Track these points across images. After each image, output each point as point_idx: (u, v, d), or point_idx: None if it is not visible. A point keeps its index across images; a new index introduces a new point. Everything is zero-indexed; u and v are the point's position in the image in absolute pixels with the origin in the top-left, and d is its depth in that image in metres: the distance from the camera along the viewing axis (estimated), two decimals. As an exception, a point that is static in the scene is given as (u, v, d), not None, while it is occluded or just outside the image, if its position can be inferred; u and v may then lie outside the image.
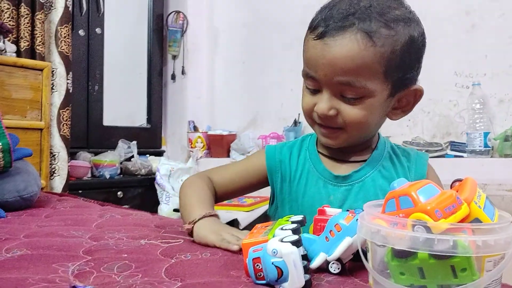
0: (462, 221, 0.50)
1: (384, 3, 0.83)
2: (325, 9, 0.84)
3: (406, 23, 0.82)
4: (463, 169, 2.08)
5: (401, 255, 0.50)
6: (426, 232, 0.48)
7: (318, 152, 0.96)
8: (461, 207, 0.50)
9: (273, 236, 0.59)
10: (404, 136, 2.41)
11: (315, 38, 0.82)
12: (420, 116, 2.45)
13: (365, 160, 0.93)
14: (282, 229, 0.60)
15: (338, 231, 0.60)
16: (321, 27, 0.82)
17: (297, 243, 0.55)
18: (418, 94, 0.88)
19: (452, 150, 2.33)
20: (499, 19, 2.28)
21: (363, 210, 0.57)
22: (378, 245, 0.53)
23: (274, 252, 0.54)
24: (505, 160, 2.12)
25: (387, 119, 0.93)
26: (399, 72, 0.83)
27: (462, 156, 2.25)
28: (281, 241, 0.55)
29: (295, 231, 0.59)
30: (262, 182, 1.00)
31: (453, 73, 2.36)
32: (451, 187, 0.58)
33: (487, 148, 2.18)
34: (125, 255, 0.69)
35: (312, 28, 0.85)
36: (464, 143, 2.27)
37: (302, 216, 0.68)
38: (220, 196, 1.00)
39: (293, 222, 0.64)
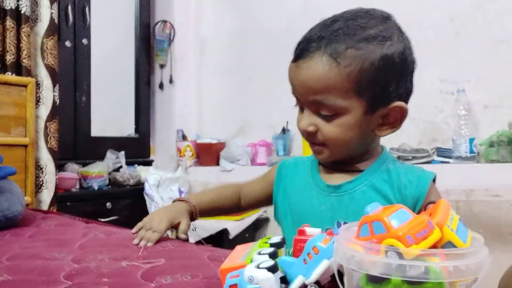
0: (434, 245, 0.51)
1: (358, 24, 0.86)
2: (306, 33, 0.90)
3: (380, 41, 0.84)
4: (450, 175, 2.09)
5: (375, 280, 0.51)
6: (398, 258, 0.48)
7: (319, 163, 0.99)
8: (433, 232, 0.50)
9: (251, 261, 0.59)
10: (390, 143, 2.42)
11: (292, 61, 0.89)
12: (406, 123, 2.41)
13: (361, 171, 0.94)
14: (259, 253, 0.60)
15: (316, 254, 0.61)
16: (296, 51, 0.89)
17: (273, 269, 0.55)
18: (402, 111, 0.89)
19: (438, 156, 2.35)
20: (482, 26, 2.31)
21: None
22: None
23: (251, 279, 0.54)
24: (490, 166, 2.14)
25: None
26: (374, 89, 0.85)
27: (448, 162, 2.26)
28: (258, 267, 0.55)
29: (272, 255, 0.59)
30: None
31: (438, 79, 2.38)
32: (425, 209, 0.59)
33: (473, 154, 2.19)
34: (106, 280, 0.69)
35: (293, 51, 0.91)
36: (450, 149, 2.29)
37: (281, 237, 0.68)
38: (244, 205, 1.13)
39: (271, 245, 0.64)
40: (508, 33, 2.24)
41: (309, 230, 0.70)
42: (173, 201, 1.11)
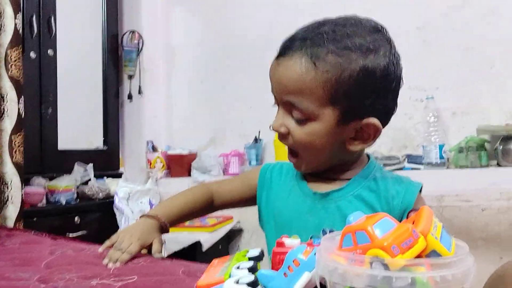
0: (419, 254, 0.49)
1: (345, 31, 0.83)
2: (294, 32, 0.89)
3: (364, 53, 0.82)
4: (421, 181, 2.11)
5: (360, 293, 0.49)
6: (384, 270, 0.47)
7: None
8: (417, 241, 0.49)
9: (229, 276, 0.57)
10: (362, 151, 2.44)
11: (275, 58, 0.88)
12: (377, 130, 2.48)
13: (349, 179, 0.92)
14: (238, 267, 0.58)
15: (297, 266, 0.59)
16: (280, 48, 0.88)
17: (254, 285, 0.53)
18: (375, 129, 0.86)
19: (409, 162, 2.37)
20: (449, 34, 2.35)
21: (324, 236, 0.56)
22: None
23: (230, 296, 0.52)
24: (460, 171, 2.17)
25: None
26: (349, 101, 0.83)
27: (419, 169, 2.29)
28: (237, 282, 0.53)
29: (251, 270, 0.57)
30: (254, 196, 1.04)
31: (407, 87, 2.37)
32: (407, 217, 0.58)
33: (443, 160, 2.23)
34: (75, 300, 0.65)
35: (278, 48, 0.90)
36: (421, 156, 2.32)
37: (260, 250, 0.66)
38: (218, 205, 1.09)
39: (250, 259, 0.62)
40: (474, 41, 2.29)
41: (288, 241, 0.68)
42: (141, 216, 1.04)
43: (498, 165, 2.12)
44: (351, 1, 2.38)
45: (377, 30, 0.86)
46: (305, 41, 0.84)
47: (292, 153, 0.92)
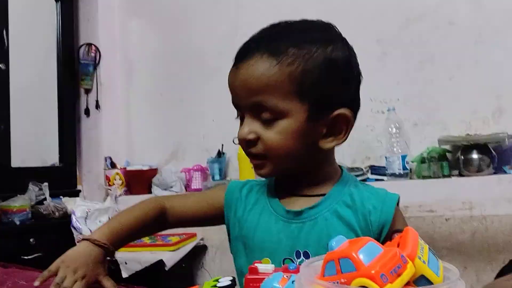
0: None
1: (299, 27, 0.86)
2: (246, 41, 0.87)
3: (323, 45, 0.82)
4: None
5: (346, 326, 0.45)
6: (372, 301, 0.43)
7: (276, 186, 0.92)
8: (406, 267, 0.46)
9: (202, 310, 0.52)
10: (326, 163, 2.43)
11: (233, 65, 0.85)
12: (340, 143, 2.48)
13: (323, 195, 0.88)
14: (211, 300, 0.53)
15: (273, 296, 0.54)
16: (236, 56, 0.85)
17: (229, 319, 0.48)
18: (346, 120, 0.84)
19: (372, 174, 2.37)
20: (408, 46, 2.38)
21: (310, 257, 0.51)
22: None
23: (204, 334, 0.47)
24: (423, 182, 2.18)
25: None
26: (316, 92, 0.81)
27: (382, 180, 2.29)
28: (211, 318, 0.48)
29: (225, 302, 0.52)
30: (218, 216, 0.97)
31: (368, 99, 2.42)
32: (391, 239, 0.54)
33: (406, 171, 2.24)
34: None
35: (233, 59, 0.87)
36: (384, 167, 2.32)
37: (231, 278, 0.61)
38: (173, 222, 1.00)
39: (222, 288, 0.57)
40: (432, 52, 2.33)
41: (261, 267, 0.64)
42: (83, 239, 0.91)
43: (460, 174, 2.14)
44: (310, 15, 2.39)
45: (329, 27, 0.88)
46: (261, 40, 0.84)
47: (257, 156, 0.85)
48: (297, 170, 0.88)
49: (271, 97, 0.80)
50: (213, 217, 0.99)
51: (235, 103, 0.87)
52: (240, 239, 0.91)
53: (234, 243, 0.93)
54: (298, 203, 0.88)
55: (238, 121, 0.88)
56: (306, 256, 0.83)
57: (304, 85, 0.80)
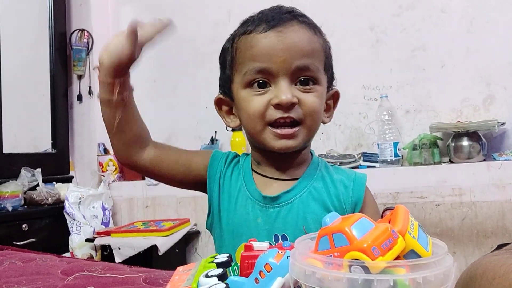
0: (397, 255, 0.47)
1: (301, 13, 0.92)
2: (254, 16, 0.88)
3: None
4: (377, 179, 2.13)
5: (339, 297, 0.46)
6: (364, 273, 0.44)
7: (253, 170, 0.92)
8: (397, 241, 0.47)
9: (198, 285, 0.53)
10: (318, 150, 2.44)
11: (263, 31, 0.83)
12: (332, 129, 2.50)
13: (297, 179, 0.89)
14: (207, 275, 0.54)
15: (268, 272, 0.55)
16: (264, 23, 0.84)
17: (225, 293, 0.49)
18: (336, 97, 0.95)
19: (364, 161, 2.39)
20: (401, 34, 2.39)
21: (288, 240, 0.53)
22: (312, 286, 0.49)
23: (201, 306, 0.48)
24: (414, 168, 2.21)
25: None
26: (329, 70, 0.91)
27: (374, 166, 2.31)
28: (208, 292, 0.49)
29: (221, 277, 0.53)
30: (198, 182, 0.94)
31: (361, 86, 2.44)
32: (382, 217, 0.56)
33: (397, 158, 2.26)
34: (27, 317, 0.60)
35: (250, 29, 0.85)
36: (376, 154, 2.34)
37: (227, 255, 0.62)
38: (156, 162, 0.96)
39: (218, 265, 0.58)
40: (423, 40, 2.34)
41: (256, 244, 0.65)
42: None
43: (451, 161, 2.17)
44: (304, 2, 2.39)
45: None
46: (293, 12, 0.87)
47: (293, 123, 0.84)
48: (305, 144, 0.90)
49: (315, 61, 0.86)
50: (194, 180, 0.95)
51: (267, 68, 0.82)
52: (224, 219, 0.91)
53: (215, 219, 0.93)
54: (274, 187, 0.89)
55: None
56: (285, 239, 0.85)
57: (327, 60, 0.89)
